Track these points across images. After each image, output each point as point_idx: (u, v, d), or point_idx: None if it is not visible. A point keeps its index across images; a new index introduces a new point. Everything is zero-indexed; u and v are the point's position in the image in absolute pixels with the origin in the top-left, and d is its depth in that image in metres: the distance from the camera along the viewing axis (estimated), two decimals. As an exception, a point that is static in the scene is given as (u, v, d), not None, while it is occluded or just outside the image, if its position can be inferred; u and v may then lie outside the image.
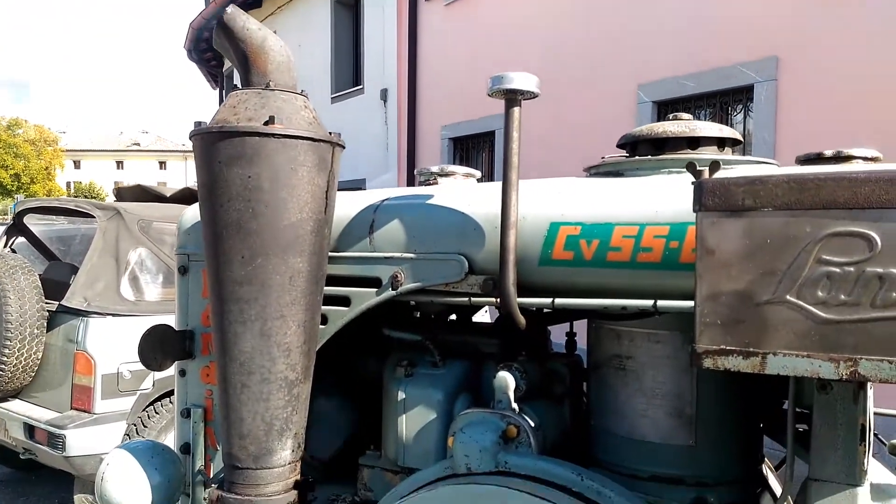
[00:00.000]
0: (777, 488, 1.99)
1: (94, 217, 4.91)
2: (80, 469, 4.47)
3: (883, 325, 1.09)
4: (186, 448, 2.21)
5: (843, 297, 1.12)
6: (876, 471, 1.84)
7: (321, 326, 1.93)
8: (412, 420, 1.97)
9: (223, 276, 1.73)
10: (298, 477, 1.85)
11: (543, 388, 1.96)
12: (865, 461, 1.49)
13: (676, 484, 1.71)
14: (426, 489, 1.69)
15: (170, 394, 4.67)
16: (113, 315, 4.60)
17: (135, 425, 4.61)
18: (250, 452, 1.77)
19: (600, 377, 1.86)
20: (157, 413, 4.75)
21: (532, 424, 1.74)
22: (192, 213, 2.23)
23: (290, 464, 1.82)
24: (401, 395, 1.99)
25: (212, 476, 2.15)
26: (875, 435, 1.84)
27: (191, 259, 2.22)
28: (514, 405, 1.77)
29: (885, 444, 1.86)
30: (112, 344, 4.50)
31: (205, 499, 1.98)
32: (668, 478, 1.72)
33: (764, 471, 1.97)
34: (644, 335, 1.75)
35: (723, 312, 1.20)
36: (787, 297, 1.16)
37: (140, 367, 4.58)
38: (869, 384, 1.55)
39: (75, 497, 4.73)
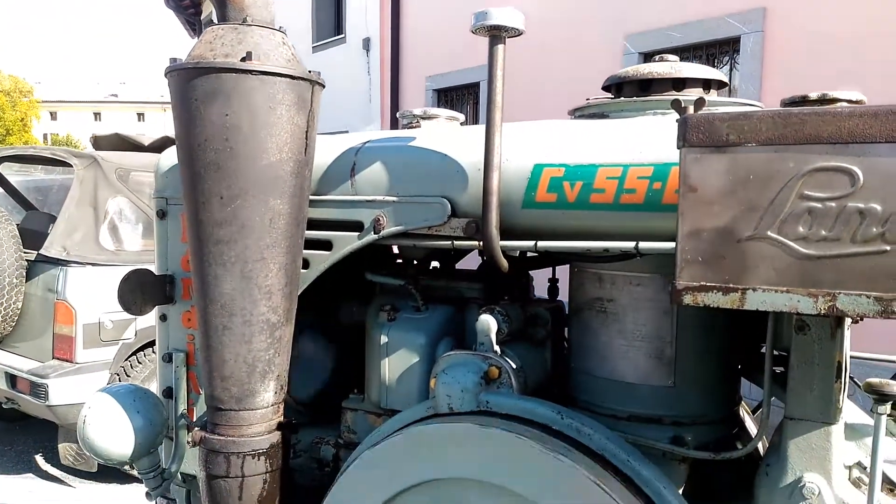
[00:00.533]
0: (753, 430, 2.03)
1: (70, 165, 4.83)
2: (63, 418, 4.48)
3: (862, 260, 1.10)
4: (169, 392, 2.21)
5: (823, 232, 1.12)
6: (850, 411, 1.88)
7: (303, 270, 1.91)
8: (395, 363, 1.98)
9: (202, 218, 1.70)
10: (282, 419, 1.86)
11: (525, 332, 1.97)
12: (841, 400, 1.51)
13: (655, 423, 1.74)
14: (408, 428, 1.70)
15: (152, 344, 4.66)
16: (93, 264, 4.56)
17: (117, 375, 4.62)
18: (233, 394, 1.77)
19: (582, 320, 1.87)
20: (139, 363, 4.75)
21: (514, 366, 1.75)
22: (170, 156, 2.19)
23: (272, 405, 1.83)
24: (384, 339, 1.99)
25: (195, 420, 2.15)
26: (850, 378, 1.87)
27: (169, 203, 2.19)
28: (496, 347, 1.78)
29: (860, 386, 1.90)
30: (93, 293, 4.48)
31: (188, 441, 1.99)
32: (647, 417, 1.75)
33: (741, 413, 2.01)
34: (625, 278, 1.75)
35: (704, 249, 1.20)
36: (769, 233, 1.16)
37: (122, 316, 4.59)
38: (846, 325, 1.56)
39: (59, 446, 4.75)
